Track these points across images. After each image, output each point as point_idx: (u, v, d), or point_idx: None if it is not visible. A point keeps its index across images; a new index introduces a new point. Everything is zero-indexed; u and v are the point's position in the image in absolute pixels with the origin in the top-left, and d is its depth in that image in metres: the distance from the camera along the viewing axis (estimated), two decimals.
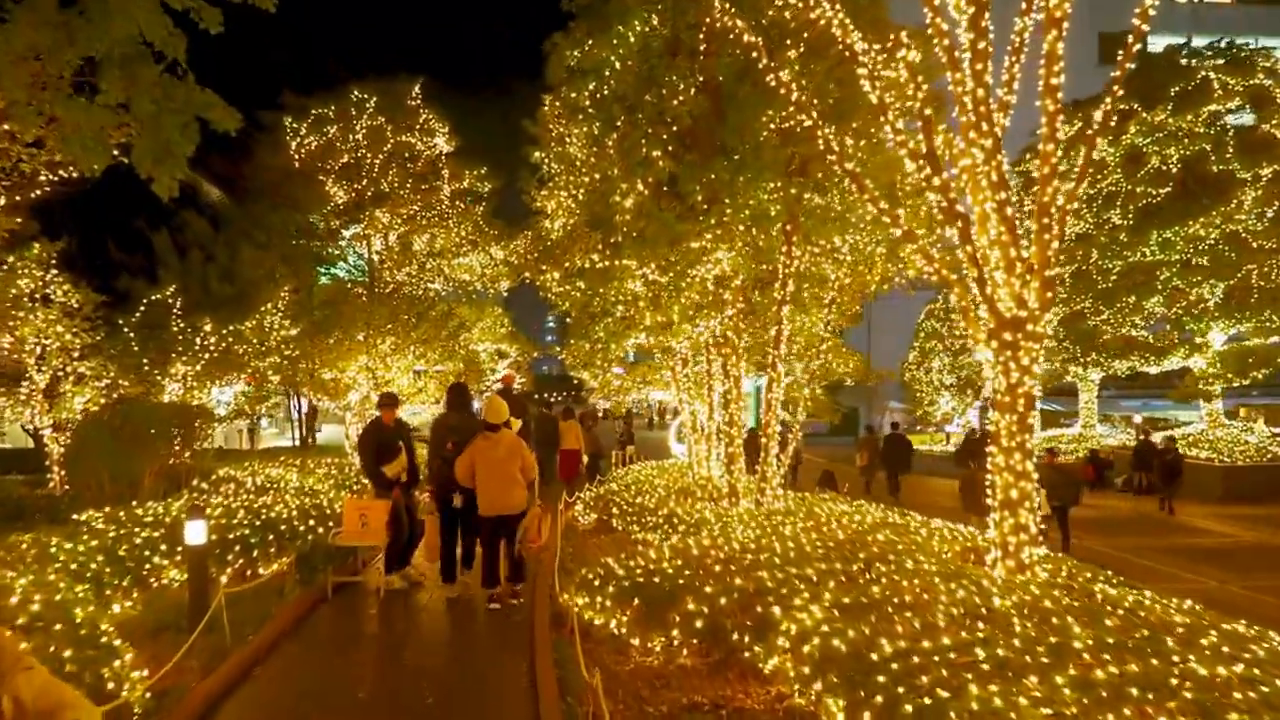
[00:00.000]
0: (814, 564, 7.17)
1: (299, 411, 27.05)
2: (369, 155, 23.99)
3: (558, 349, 17.56)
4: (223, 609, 6.91)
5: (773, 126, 10.76)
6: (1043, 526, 7.04)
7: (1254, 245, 22.22)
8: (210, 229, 17.57)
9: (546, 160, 11.99)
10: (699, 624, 6.57)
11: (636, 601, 7.10)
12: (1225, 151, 22.48)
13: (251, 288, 15.67)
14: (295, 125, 23.64)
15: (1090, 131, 7.55)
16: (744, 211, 10.53)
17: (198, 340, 15.11)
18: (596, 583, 7.76)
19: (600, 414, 43.58)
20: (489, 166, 25.98)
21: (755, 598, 6.58)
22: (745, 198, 10.50)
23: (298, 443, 27.39)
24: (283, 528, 10.30)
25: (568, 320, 14.84)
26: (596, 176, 11.07)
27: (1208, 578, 13.60)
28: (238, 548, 9.55)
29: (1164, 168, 23.21)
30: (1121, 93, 7.65)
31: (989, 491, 7.55)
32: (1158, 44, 29.06)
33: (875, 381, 26.76)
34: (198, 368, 15.18)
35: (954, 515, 12.61)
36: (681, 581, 7.12)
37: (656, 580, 7.26)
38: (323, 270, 24.61)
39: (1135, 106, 23.66)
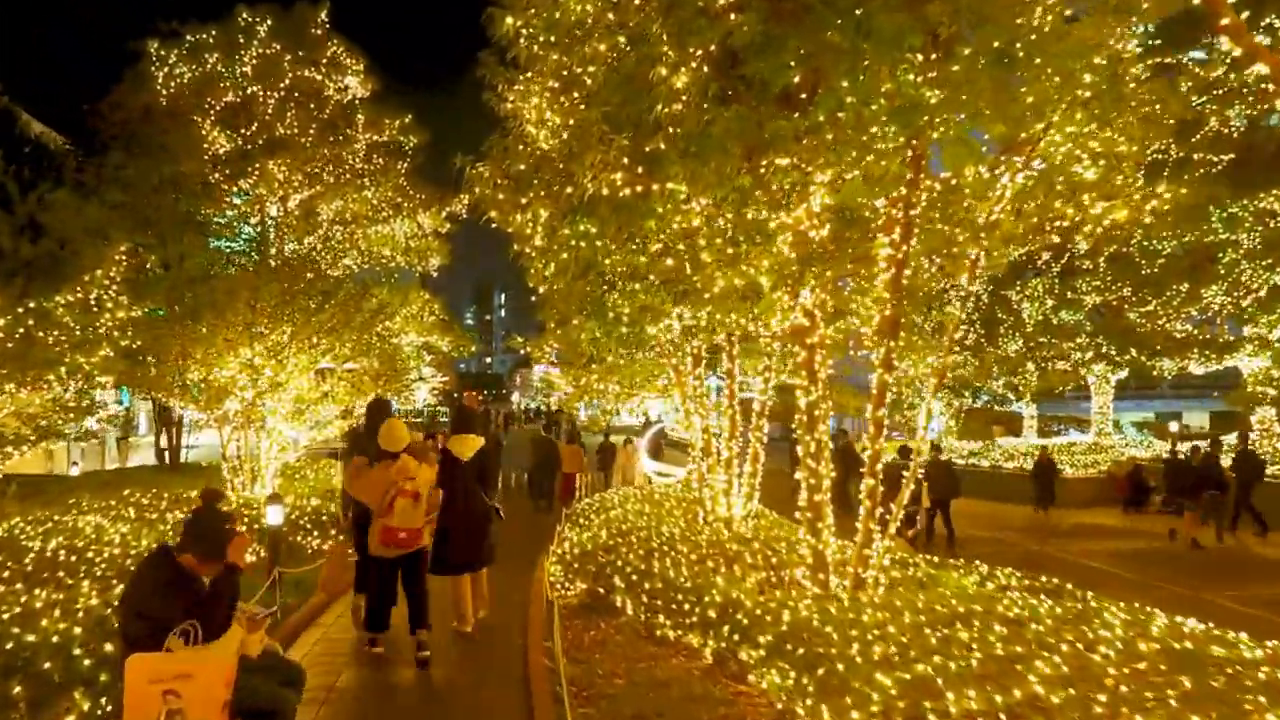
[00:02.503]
0: None
1: (159, 421, 21.53)
2: (261, 93, 18.82)
3: (517, 339, 12.82)
4: None
5: None
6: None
7: None
8: (16, 169, 12.28)
9: (525, 32, 7.33)
10: None
11: None
12: None
13: (67, 248, 10.58)
14: (163, 53, 18.36)
15: None
16: (877, 102, 6.12)
17: None
18: None
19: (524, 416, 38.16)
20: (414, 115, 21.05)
21: None
22: (877, 81, 6.11)
23: (168, 461, 21.82)
24: (47, 665, 5.53)
25: (535, 297, 10.21)
26: (623, 41, 6.50)
27: None
28: None
29: (1224, 130, 19.48)
30: None
31: None
32: None
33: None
34: None
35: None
36: None
37: None
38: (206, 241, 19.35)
39: (1180, 58, 19.84)
